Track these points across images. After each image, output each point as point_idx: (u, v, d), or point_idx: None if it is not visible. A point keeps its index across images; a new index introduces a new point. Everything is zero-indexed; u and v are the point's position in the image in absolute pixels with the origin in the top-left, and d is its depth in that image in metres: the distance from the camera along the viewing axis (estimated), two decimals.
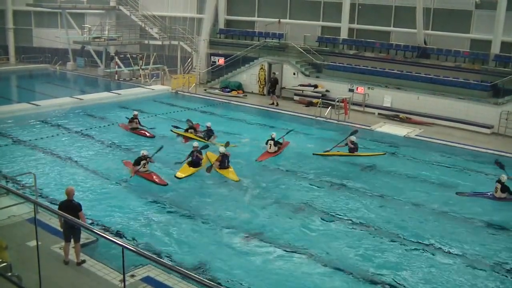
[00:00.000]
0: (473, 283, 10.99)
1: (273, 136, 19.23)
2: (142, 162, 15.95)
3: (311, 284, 10.68)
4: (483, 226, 13.95)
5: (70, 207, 10.04)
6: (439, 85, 26.39)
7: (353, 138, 19.24)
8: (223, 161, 16.90)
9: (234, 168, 17.04)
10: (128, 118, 21.69)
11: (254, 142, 20.89)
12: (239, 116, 25.97)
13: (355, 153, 19.13)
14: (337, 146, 19.29)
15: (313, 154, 19.27)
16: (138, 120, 21.29)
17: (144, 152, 16.15)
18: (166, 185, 15.63)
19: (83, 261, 10.17)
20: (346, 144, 19.19)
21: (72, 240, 10.04)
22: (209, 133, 20.50)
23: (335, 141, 20.58)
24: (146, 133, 21.08)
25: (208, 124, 20.79)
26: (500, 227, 13.90)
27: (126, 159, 17.42)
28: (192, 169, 16.77)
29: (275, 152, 19.10)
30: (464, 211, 14.79)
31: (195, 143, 17.64)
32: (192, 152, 17.02)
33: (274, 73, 29.91)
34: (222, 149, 17.14)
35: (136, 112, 21.56)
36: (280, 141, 19.50)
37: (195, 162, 16.98)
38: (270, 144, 19.04)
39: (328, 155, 19.20)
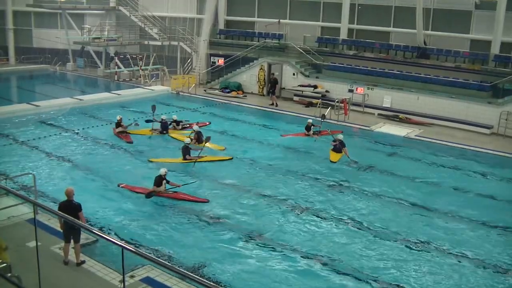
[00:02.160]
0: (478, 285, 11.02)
1: (309, 122, 21.95)
2: (164, 182, 14.81)
3: (309, 284, 10.69)
4: (486, 227, 13.94)
5: (70, 207, 10.06)
6: (438, 86, 26.41)
7: (340, 137, 19.35)
8: (199, 138, 19.43)
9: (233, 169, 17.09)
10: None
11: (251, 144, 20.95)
12: (238, 116, 25.97)
13: (344, 151, 19.15)
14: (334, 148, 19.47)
15: (331, 161, 18.78)
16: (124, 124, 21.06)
17: (165, 169, 14.91)
18: (207, 201, 14.69)
19: (83, 262, 10.18)
20: (335, 143, 19.31)
21: (72, 240, 10.06)
22: (164, 125, 21.56)
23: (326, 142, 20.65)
24: (128, 138, 20.57)
25: (163, 117, 21.93)
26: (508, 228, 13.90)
27: (122, 182, 15.64)
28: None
29: (308, 134, 21.69)
30: (464, 211, 14.79)
31: (187, 139, 18.59)
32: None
33: (273, 74, 29.93)
34: (195, 127, 20.09)
35: (120, 117, 21.23)
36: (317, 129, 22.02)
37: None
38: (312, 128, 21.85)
39: (337, 160, 18.93)
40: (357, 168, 18.35)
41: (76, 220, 9.06)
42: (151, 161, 17.95)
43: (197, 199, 14.75)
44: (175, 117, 22.50)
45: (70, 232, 10.00)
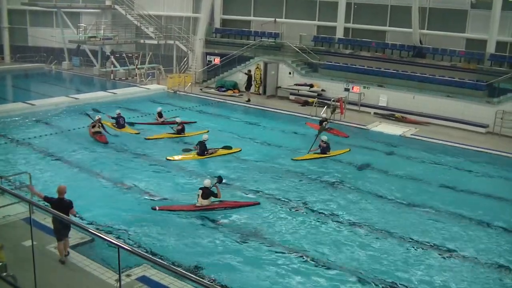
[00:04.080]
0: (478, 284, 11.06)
1: (322, 116, 23.29)
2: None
3: (305, 283, 10.70)
4: (482, 226, 14.00)
5: (62, 204, 10.13)
6: (434, 85, 26.45)
7: (324, 138, 19.30)
8: (183, 128, 21.07)
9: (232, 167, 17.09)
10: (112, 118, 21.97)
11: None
12: (235, 115, 25.98)
13: (328, 153, 19.18)
14: (311, 150, 19.30)
15: (292, 159, 18.83)
16: (101, 124, 20.64)
17: (209, 180, 14.16)
18: (259, 204, 14.56)
19: (68, 253, 10.30)
20: (320, 146, 19.22)
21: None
22: (119, 120, 21.67)
23: (331, 141, 20.66)
24: (104, 139, 20.19)
25: (118, 112, 21.90)
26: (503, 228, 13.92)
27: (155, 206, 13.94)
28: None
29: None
30: (460, 210, 14.84)
31: (205, 136, 18.97)
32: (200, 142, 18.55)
33: (249, 71, 30.27)
34: (178, 119, 21.36)
35: (99, 116, 21.04)
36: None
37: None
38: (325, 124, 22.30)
39: (306, 159, 18.94)
40: (352, 167, 18.37)
41: (71, 219, 9.08)
42: (169, 159, 18.02)
43: (248, 203, 14.56)
44: (159, 109, 23.06)
45: (61, 229, 10.03)
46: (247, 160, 18.58)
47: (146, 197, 14.71)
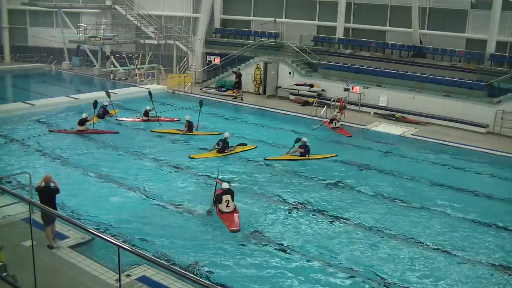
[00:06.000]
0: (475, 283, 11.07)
1: (334, 114, 23.84)
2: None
3: (304, 283, 10.71)
4: (482, 225, 13.99)
5: (49, 191, 11.09)
6: (434, 85, 26.46)
7: (305, 139, 19.16)
8: (190, 126, 21.31)
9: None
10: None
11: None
12: (235, 115, 25.99)
13: (307, 156, 18.93)
14: (290, 153, 19.12)
15: (265, 159, 18.71)
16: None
17: (226, 183, 14.02)
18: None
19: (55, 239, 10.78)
20: (300, 147, 19.02)
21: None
22: (101, 110, 23.34)
23: (330, 141, 20.69)
24: (106, 131, 21.40)
25: (105, 103, 23.69)
26: (503, 228, 13.92)
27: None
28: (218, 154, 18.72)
29: (334, 127, 23.23)
30: (462, 209, 14.84)
31: (226, 133, 19.40)
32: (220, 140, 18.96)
33: (239, 68, 30.34)
34: (187, 117, 21.48)
35: (85, 115, 21.27)
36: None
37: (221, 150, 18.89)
38: (335, 122, 23.38)
39: (280, 159, 18.82)
40: (353, 167, 18.37)
41: (71, 218, 9.10)
42: (192, 158, 18.33)
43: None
44: (148, 108, 23.49)
45: (48, 215, 10.43)
46: (246, 160, 18.59)
47: (145, 198, 14.69)
